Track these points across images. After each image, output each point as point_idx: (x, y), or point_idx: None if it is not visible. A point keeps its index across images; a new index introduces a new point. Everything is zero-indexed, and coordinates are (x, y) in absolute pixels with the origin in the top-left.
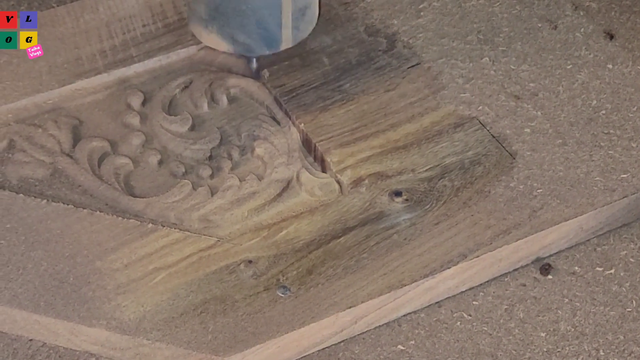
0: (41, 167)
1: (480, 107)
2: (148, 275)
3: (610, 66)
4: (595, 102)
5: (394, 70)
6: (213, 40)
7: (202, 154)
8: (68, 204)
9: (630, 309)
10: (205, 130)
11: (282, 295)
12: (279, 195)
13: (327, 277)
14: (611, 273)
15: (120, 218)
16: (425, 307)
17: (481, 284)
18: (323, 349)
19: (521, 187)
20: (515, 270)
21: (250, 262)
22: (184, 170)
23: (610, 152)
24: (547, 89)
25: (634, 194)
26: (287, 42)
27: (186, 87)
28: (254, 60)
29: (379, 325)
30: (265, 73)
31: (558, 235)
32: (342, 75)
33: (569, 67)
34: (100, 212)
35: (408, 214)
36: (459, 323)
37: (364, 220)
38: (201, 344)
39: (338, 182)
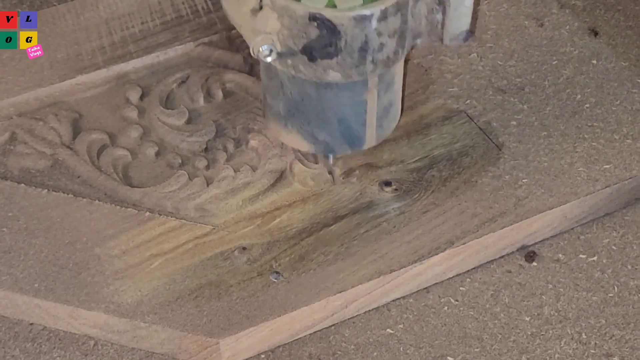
0: (42, 158)
1: (468, 101)
2: (145, 261)
3: (594, 62)
4: (579, 96)
5: None
6: (293, 139)
7: (198, 146)
8: (68, 194)
9: (612, 295)
10: (201, 123)
11: (275, 280)
12: (273, 185)
13: (319, 263)
14: (594, 260)
15: (118, 207)
16: (414, 293)
17: (468, 271)
18: (314, 332)
19: (507, 177)
20: (501, 257)
21: (244, 248)
22: (180, 161)
23: (593, 143)
24: (533, 84)
25: (616, 184)
26: (370, 141)
27: (183, 82)
28: (331, 157)
29: (369, 310)
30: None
31: (542, 224)
32: None
33: (554, 62)
34: (99, 201)
35: (397, 203)
36: (446, 308)
37: (354, 209)
38: (196, 326)
39: (330, 172)
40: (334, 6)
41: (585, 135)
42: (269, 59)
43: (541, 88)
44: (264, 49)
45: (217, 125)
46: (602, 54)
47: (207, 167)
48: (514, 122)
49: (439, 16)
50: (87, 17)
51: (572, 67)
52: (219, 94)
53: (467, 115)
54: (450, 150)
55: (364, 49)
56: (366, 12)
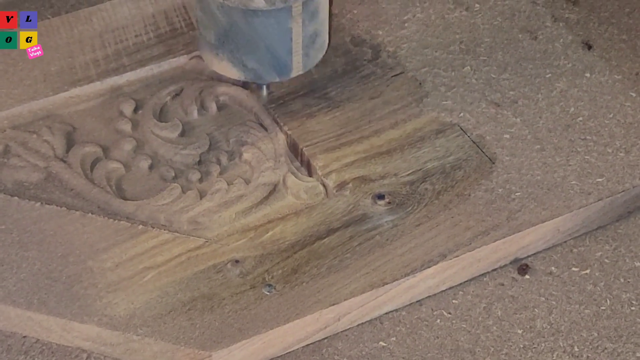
0: (36, 171)
1: (462, 114)
2: (138, 274)
3: (588, 75)
4: (573, 109)
5: (378, 79)
6: (224, 67)
7: (191, 158)
8: (61, 207)
9: (604, 307)
10: (194, 136)
11: (268, 293)
12: (266, 198)
13: (312, 276)
14: (587, 273)
15: (111, 220)
16: (407, 305)
17: (461, 283)
18: (307, 345)
19: (500, 190)
20: (493, 270)
21: (237, 261)
22: (173, 174)
23: (586, 157)
24: (527, 97)
25: (608, 197)
26: (297, 69)
27: (177, 94)
28: (264, 87)
29: (362, 323)
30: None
31: (535, 237)
32: (329, 83)
33: (548, 76)
34: (92, 214)
35: (390, 216)
36: (439, 321)
37: (347, 222)
38: (189, 339)
39: (323, 185)
40: None
41: (579, 149)
42: None
43: (534, 101)
44: None
45: (211, 138)
46: (595, 67)
47: (201, 180)
48: (507, 136)
49: None
50: (81, 30)
51: (566, 80)
52: (213, 107)
53: (461, 129)
54: (443, 164)
55: None
56: None
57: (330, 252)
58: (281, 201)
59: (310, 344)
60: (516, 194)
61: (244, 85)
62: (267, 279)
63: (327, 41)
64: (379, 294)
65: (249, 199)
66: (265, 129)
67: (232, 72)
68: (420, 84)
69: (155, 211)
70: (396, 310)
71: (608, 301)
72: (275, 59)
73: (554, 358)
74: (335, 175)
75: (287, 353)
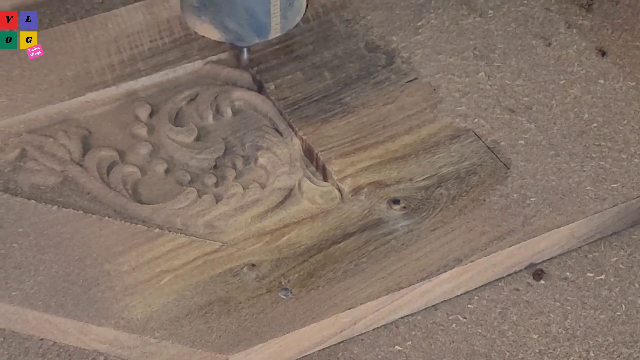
0: (52, 175)
1: (476, 120)
2: (155, 277)
3: (601, 81)
4: (587, 115)
5: (392, 85)
6: (206, 28)
7: (207, 163)
8: (78, 210)
9: (619, 313)
10: (210, 140)
11: (284, 297)
12: (281, 202)
13: (328, 280)
14: (601, 278)
15: (128, 223)
16: (422, 310)
17: (476, 288)
18: (323, 349)
19: (515, 195)
20: (509, 275)
21: (253, 265)
22: (189, 178)
23: (601, 162)
24: (541, 103)
25: (623, 202)
26: (275, 31)
27: (192, 99)
28: (245, 51)
29: (377, 327)
30: (271, 86)
31: (550, 242)
32: (343, 89)
33: (561, 82)
34: (108, 217)
35: (405, 221)
36: (454, 325)
37: (363, 226)
38: (206, 342)
39: (339, 190)
40: None
41: (593, 155)
42: None
43: (549, 107)
44: None
45: (226, 142)
46: (609, 74)
47: (216, 184)
48: (522, 141)
49: None
50: (96, 35)
51: (580, 86)
52: (228, 112)
53: (475, 134)
54: (458, 169)
55: None
56: None
57: (346, 257)
58: (297, 205)
59: (326, 347)
60: (531, 199)
61: (259, 90)
62: (283, 283)
63: (304, 4)
64: (394, 298)
65: (265, 203)
66: (281, 134)
67: (213, 33)
68: (434, 89)
69: (171, 215)
70: (412, 314)
71: (623, 306)
72: (254, 21)
73: None
74: (350, 180)
75: (303, 357)
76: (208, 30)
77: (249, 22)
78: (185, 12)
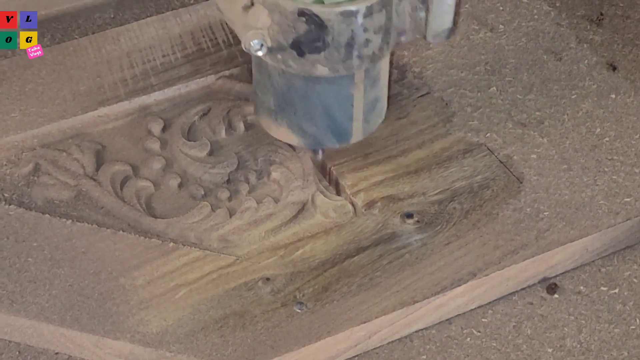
0: (66, 189)
1: (488, 134)
2: (170, 291)
3: (613, 96)
4: (599, 129)
5: (405, 99)
6: (283, 132)
7: (220, 177)
8: (92, 224)
9: (634, 327)
10: (223, 155)
11: (299, 310)
12: (295, 216)
13: (342, 294)
14: (615, 292)
15: (142, 237)
16: (436, 324)
17: (490, 302)
18: None
19: (528, 209)
20: (522, 289)
21: (268, 279)
22: (203, 192)
23: (614, 177)
24: (553, 117)
25: (636, 216)
26: (357, 135)
27: (205, 114)
28: (320, 151)
29: (392, 341)
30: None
31: (564, 256)
32: None
33: (573, 96)
34: (123, 231)
35: (419, 235)
36: (468, 339)
37: (377, 240)
38: (222, 356)
39: (352, 204)
40: (322, 2)
41: (606, 169)
42: (259, 54)
43: (560, 122)
44: (254, 43)
45: (239, 157)
46: (620, 88)
47: (230, 199)
48: (534, 156)
49: (422, 14)
50: (108, 49)
51: (591, 101)
52: (241, 127)
53: (488, 149)
54: (471, 183)
55: (350, 44)
56: (352, 8)
57: (360, 271)
58: (310, 220)
59: None
60: (544, 213)
61: None
62: (298, 297)
63: (385, 107)
64: (409, 312)
65: (279, 218)
66: (293, 149)
67: (290, 138)
68: (446, 104)
69: (185, 229)
70: (426, 328)
71: (637, 320)
72: (335, 125)
73: None
74: (363, 194)
75: None
76: (285, 134)
77: (329, 127)
78: (260, 115)
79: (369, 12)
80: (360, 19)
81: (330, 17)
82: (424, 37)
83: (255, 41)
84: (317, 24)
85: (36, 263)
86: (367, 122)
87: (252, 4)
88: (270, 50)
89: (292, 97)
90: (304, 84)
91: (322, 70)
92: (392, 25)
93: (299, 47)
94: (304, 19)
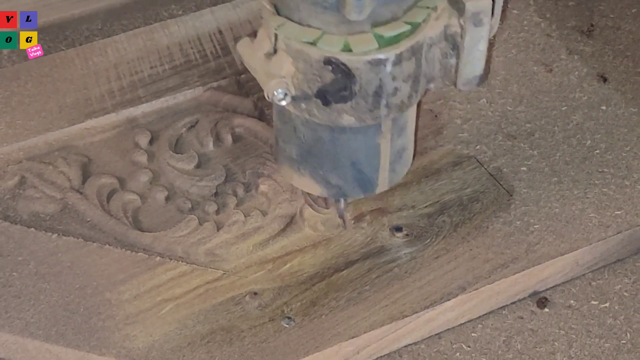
0: (52, 202)
1: (478, 147)
2: (156, 306)
3: (604, 108)
4: (589, 142)
5: None
6: (305, 182)
7: (208, 190)
8: (78, 238)
9: (624, 341)
10: (210, 167)
11: (287, 325)
12: (283, 230)
13: (330, 309)
14: (606, 306)
15: (128, 251)
16: (426, 338)
17: (480, 316)
18: None
19: (518, 222)
20: (512, 303)
21: (255, 293)
22: (190, 206)
23: (604, 189)
24: (543, 129)
25: (627, 230)
26: (383, 185)
27: (192, 126)
28: (342, 201)
29: (381, 356)
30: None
31: (554, 270)
32: None
33: (563, 108)
34: (109, 245)
35: (408, 248)
36: (458, 354)
37: (365, 254)
38: None
39: (341, 217)
40: (349, 50)
41: (596, 182)
42: (283, 103)
43: (551, 134)
44: (278, 92)
45: (227, 169)
46: (611, 100)
47: (217, 212)
48: (524, 168)
49: (452, 60)
50: (96, 61)
51: (582, 113)
52: (229, 139)
53: (477, 161)
54: (460, 196)
55: (378, 94)
56: (381, 56)
57: (348, 285)
58: (298, 233)
59: None
60: (534, 226)
61: (260, 117)
62: (285, 312)
63: (412, 154)
64: (398, 327)
65: (266, 231)
66: None
67: (314, 188)
68: (436, 116)
69: (172, 243)
70: (415, 343)
71: (628, 335)
72: (361, 176)
73: None
74: (352, 207)
75: None
76: (308, 185)
77: (354, 178)
78: (282, 165)
79: (398, 60)
80: (389, 67)
81: (359, 66)
82: (454, 85)
83: (279, 90)
84: (344, 73)
85: (21, 277)
86: (394, 172)
87: (276, 51)
88: (294, 99)
89: (317, 148)
90: (329, 133)
91: (348, 120)
92: (421, 73)
93: (325, 97)
94: (330, 67)
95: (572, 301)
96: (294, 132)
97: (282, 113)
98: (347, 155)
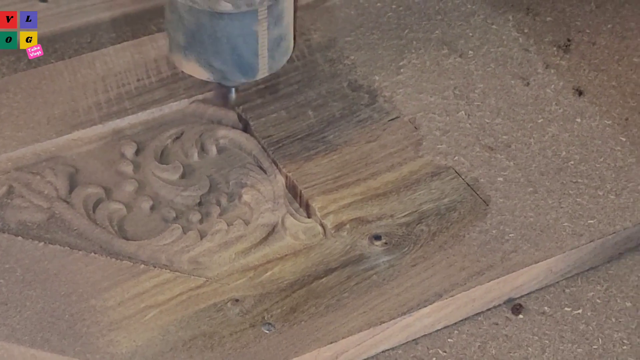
0: (39, 211)
1: (456, 158)
2: (140, 312)
3: (579, 120)
4: (564, 153)
5: (375, 123)
6: (192, 68)
7: (192, 200)
8: (64, 246)
9: (596, 347)
10: (195, 178)
11: (267, 331)
12: (265, 239)
13: (310, 315)
14: (579, 313)
15: (113, 259)
16: (403, 344)
17: (456, 323)
18: None
19: (494, 231)
20: (488, 309)
21: (237, 300)
22: (174, 215)
23: (578, 199)
24: (520, 141)
25: (600, 238)
26: (263, 71)
27: (177, 137)
28: (233, 90)
29: None
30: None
31: (529, 277)
32: (326, 127)
33: (540, 121)
34: (94, 254)
35: (387, 257)
36: (434, 359)
37: (345, 262)
38: None
39: (322, 226)
40: None
41: (570, 191)
42: None
43: (527, 145)
44: None
45: (211, 180)
46: (586, 113)
47: (201, 221)
48: (501, 179)
49: None
50: (83, 74)
51: (557, 125)
52: (213, 150)
53: (455, 172)
54: (438, 206)
55: None
56: None
57: (328, 292)
58: (280, 242)
59: None
60: (510, 235)
61: (244, 129)
62: (266, 318)
63: (292, 45)
64: (375, 333)
65: (249, 240)
66: (264, 171)
67: (199, 72)
68: (415, 128)
69: (156, 251)
70: (393, 348)
71: (600, 340)
72: (241, 61)
73: None
74: (333, 216)
75: None
76: (194, 69)
77: (235, 62)
78: (172, 51)
79: None
80: None
81: None
82: None
83: None
84: None
85: (8, 285)
86: (273, 59)
87: None
88: None
89: (200, 34)
90: (209, 20)
91: (225, 5)
92: None
93: None
94: None
95: (546, 308)
96: (180, 20)
97: (170, 3)
98: (227, 41)
